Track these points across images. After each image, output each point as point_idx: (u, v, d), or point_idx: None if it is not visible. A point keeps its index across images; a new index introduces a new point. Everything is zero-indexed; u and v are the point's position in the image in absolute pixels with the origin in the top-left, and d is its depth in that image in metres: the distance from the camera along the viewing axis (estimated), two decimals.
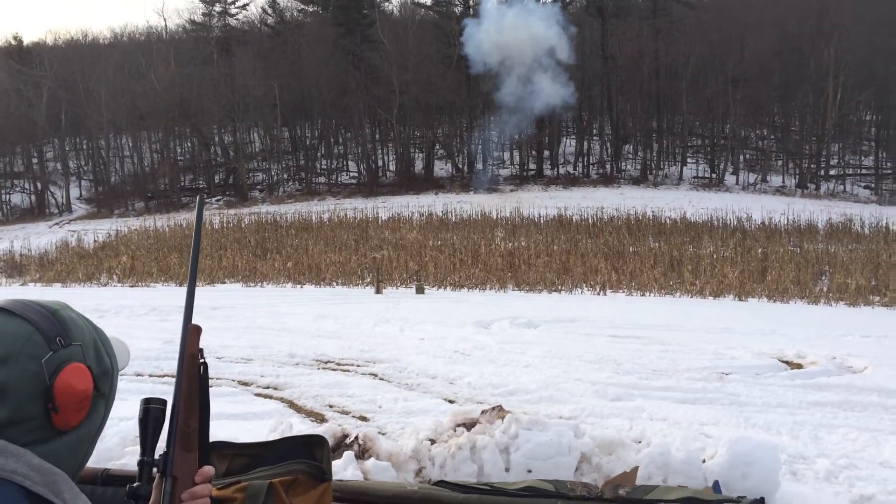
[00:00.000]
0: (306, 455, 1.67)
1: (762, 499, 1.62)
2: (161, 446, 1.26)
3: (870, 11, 47.03)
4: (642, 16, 49.55)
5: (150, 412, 1.23)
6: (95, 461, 1.48)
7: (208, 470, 1.27)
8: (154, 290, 19.64)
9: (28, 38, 62.57)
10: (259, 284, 20.84)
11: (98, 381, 1.16)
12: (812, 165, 45.63)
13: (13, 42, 52.65)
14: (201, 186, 48.15)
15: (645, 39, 48.65)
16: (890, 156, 48.18)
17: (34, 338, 1.10)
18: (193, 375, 1.32)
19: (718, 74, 46.20)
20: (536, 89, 40.94)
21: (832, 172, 46.49)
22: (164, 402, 1.25)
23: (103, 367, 1.19)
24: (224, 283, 21.17)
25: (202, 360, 1.37)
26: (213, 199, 44.80)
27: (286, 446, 1.72)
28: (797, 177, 45.02)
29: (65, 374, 1.10)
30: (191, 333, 1.30)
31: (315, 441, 1.70)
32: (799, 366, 8.90)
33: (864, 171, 47.25)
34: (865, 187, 43.82)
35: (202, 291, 18.98)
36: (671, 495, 1.62)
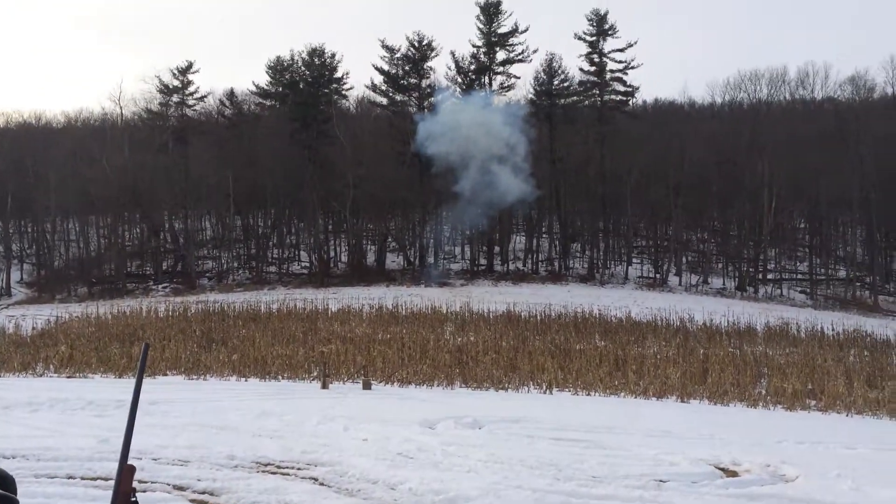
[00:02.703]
0: None
1: None
2: None
3: (800, 129, 50.19)
4: (588, 123, 51.83)
5: None
6: None
7: None
8: (92, 382, 19.04)
9: None
10: (202, 377, 20.39)
11: None
12: (750, 269, 47.36)
13: None
14: (148, 273, 47.50)
15: (591, 145, 50.76)
16: (822, 262, 50.36)
17: None
18: None
19: (661, 180, 48.25)
20: (496, 181, 41.84)
21: (769, 276, 48.29)
22: None
23: None
24: (166, 374, 20.67)
25: (134, 499, 1.47)
26: (160, 287, 44.14)
27: None
28: (737, 280, 46.58)
29: None
30: (126, 473, 1.42)
31: None
32: (734, 473, 9.11)
33: (799, 277, 49.18)
34: (801, 292, 45.50)
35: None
36: None
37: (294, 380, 20.47)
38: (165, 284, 44.76)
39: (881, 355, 25.21)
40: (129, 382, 19.28)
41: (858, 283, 46.65)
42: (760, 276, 47.38)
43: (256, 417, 12.88)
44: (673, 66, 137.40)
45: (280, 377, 20.61)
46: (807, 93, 57.11)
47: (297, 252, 53.51)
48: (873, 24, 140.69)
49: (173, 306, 32.71)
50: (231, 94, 59.43)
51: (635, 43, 50.88)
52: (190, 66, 55.58)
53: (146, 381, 17.48)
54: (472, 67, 50.30)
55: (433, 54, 50.72)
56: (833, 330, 29.58)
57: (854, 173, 46.83)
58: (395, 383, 20.37)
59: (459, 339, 26.36)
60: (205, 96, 58.46)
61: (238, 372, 20.89)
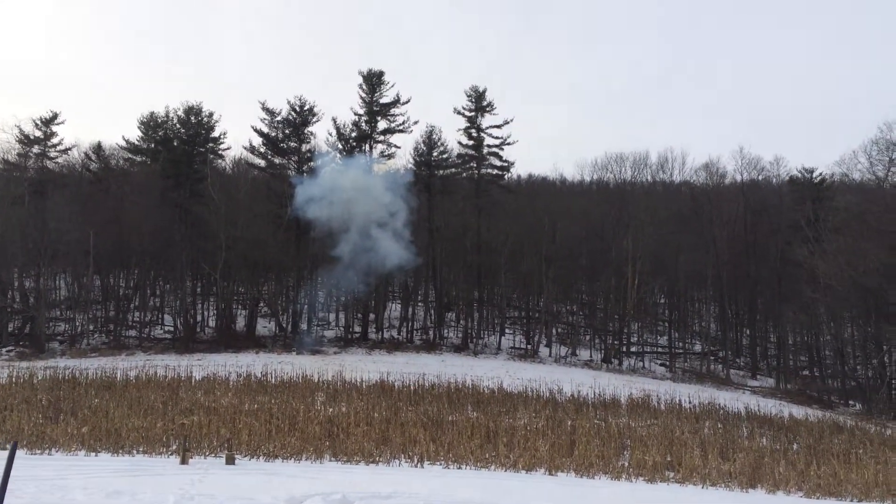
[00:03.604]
0: None
1: None
2: None
3: (661, 209, 53.70)
4: (466, 195, 53.23)
5: None
6: None
7: None
8: None
9: None
10: (47, 452, 18.72)
11: None
12: (615, 342, 49.35)
13: None
14: None
15: (468, 216, 52.02)
16: (680, 337, 53.28)
17: None
18: None
19: (533, 253, 49.95)
20: (376, 246, 41.91)
21: (633, 349, 50.46)
22: None
23: None
24: (5, 449, 18.83)
25: None
26: (4, 350, 40.59)
27: None
28: (603, 352, 48.35)
29: None
30: None
31: None
32: None
33: (659, 350, 51.70)
34: (661, 364, 47.78)
35: None
36: None
37: (151, 454, 19.16)
38: (10, 348, 41.23)
39: (733, 427, 26.70)
40: None
41: (712, 357, 49.56)
42: (624, 349, 49.44)
43: (107, 497, 11.93)
44: (545, 144, 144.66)
45: (135, 451, 19.24)
46: (666, 176, 61.53)
47: (160, 315, 50.94)
48: (726, 117, 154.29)
49: (18, 372, 30.13)
50: (98, 148, 57.04)
51: (511, 120, 53.24)
52: (55, 116, 53.02)
53: None
54: (354, 135, 50.78)
55: (314, 119, 50.95)
56: (690, 402, 31.13)
57: (707, 252, 50.34)
58: (262, 457, 19.48)
59: (331, 410, 25.68)
60: (69, 149, 55.82)
61: (88, 446, 19.32)
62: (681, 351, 51.18)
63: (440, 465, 19.75)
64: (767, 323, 53.53)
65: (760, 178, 59.10)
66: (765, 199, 57.08)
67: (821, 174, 53.78)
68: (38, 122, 52.42)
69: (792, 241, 48.75)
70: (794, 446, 24.22)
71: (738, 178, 57.68)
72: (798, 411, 33.78)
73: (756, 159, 58.51)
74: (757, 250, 53.31)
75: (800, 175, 54.63)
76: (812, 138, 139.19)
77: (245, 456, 19.31)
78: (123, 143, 55.46)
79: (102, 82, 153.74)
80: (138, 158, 55.64)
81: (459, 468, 19.37)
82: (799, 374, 47.46)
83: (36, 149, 52.55)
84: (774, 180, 59.84)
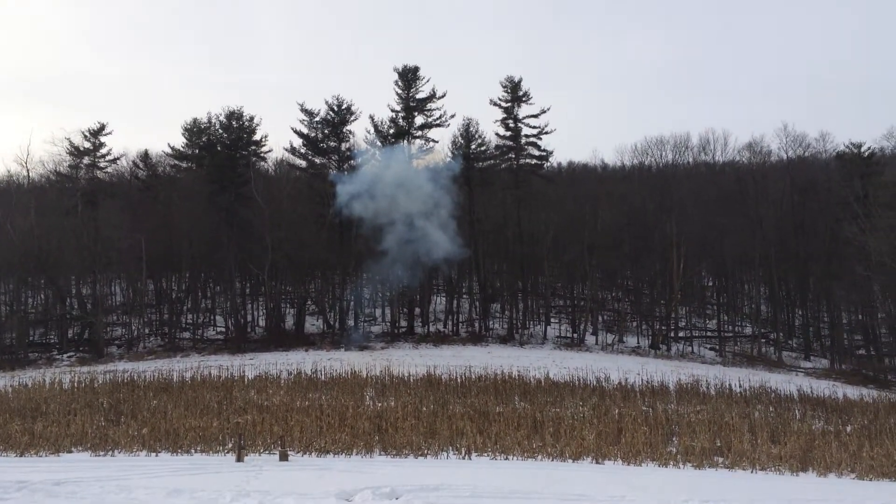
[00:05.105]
0: None
1: None
2: None
3: (704, 191, 52.93)
4: (505, 186, 53.20)
5: None
6: None
7: None
8: None
9: None
10: (110, 453, 19.53)
11: None
12: (663, 327, 48.88)
13: None
14: (53, 341, 45.33)
15: (508, 207, 52.00)
16: (730, 320, 52.52)
17: None
18: None
19: (576, 241, 49.74)
20: (423, 237, 42.25)
21: (681, 334, 49.93)
22: None
23: None
24: (71, 451, 19.69)
25: None
26: (65, 356, 42.11)
27: None
28: (650, 338, 47.96)
29: None
30: None
31: None
32: None
33: (708, 334, 51.05)
34: (711, 349, 47.19)
35: (44, 463, 17.61)
36: None
37: (208, 453, 19.84)
38: (71, 353, 42.76)
39: (784, 411, 26.37)
40: (31, 461, 18.25)
41: (764, 340, 48.76)
42: (672, 335, 48.97)
43: (167, 496, 12.49)
44: (584, 130, 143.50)
45: (193, 450, 19.94)
46: (709, 157, 60.54)
47: (212, 317, 52.24)
48: (768, 96, 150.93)
49: (79, 377, 31.30)
50: (145, 156, 58.56)
51: (548, 109, 52.96)
52: (102, 127, 54.52)
53: (49, 459, 16.50)
54: (391, 131, 51.16)
55: (352, 118, 51.42)
56: (740, 386, 30.80)
57: (754, 233, 49.50)
58: (314, 453, 20.00)
59: (379, 405, 26.14)
60: (117, 158, 57.39)
61: (148, 446, 20.10)
62: (731, 334, 50.49)
63: (487, 456, 20.01)
64: (820, 303, 52.39)
65: (806, 154, 57.67)
66: (812, 177, 55.73)
67: (869, 148, 52.20)
68: (87, 134, 54.04)
69: (841, 218, 47.55)
70: (848, 428, 23.85)
71: (784, 155, 56.46)
72: (853, 392, 33.15)
73: (801, 136, 57.07)
74: (805, 229, 52.16)
75: (847, 150, 53.00)
76: (859, 112, 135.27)
77: (298, 452, 19.85)
78: (169, 151, 56.89)
79: (147, 90, 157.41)
80: (184, 165, 56.97)
81: (506, 459, 19.61)
82: (854, 354, 46.42)
83: (86, 160, 54.16)
84: (821, 156, 58.39)
